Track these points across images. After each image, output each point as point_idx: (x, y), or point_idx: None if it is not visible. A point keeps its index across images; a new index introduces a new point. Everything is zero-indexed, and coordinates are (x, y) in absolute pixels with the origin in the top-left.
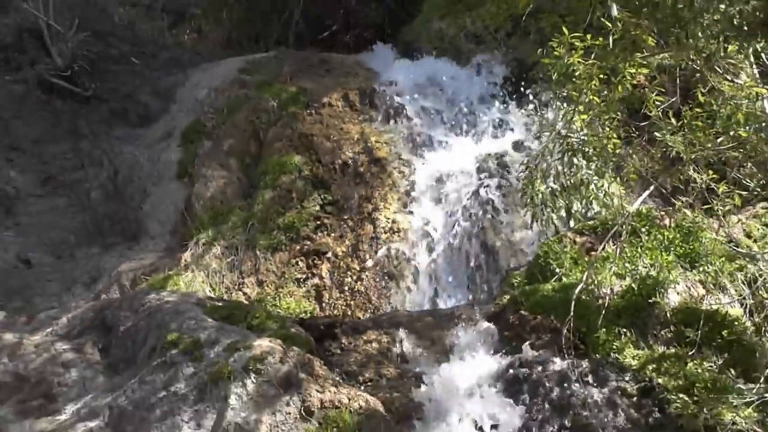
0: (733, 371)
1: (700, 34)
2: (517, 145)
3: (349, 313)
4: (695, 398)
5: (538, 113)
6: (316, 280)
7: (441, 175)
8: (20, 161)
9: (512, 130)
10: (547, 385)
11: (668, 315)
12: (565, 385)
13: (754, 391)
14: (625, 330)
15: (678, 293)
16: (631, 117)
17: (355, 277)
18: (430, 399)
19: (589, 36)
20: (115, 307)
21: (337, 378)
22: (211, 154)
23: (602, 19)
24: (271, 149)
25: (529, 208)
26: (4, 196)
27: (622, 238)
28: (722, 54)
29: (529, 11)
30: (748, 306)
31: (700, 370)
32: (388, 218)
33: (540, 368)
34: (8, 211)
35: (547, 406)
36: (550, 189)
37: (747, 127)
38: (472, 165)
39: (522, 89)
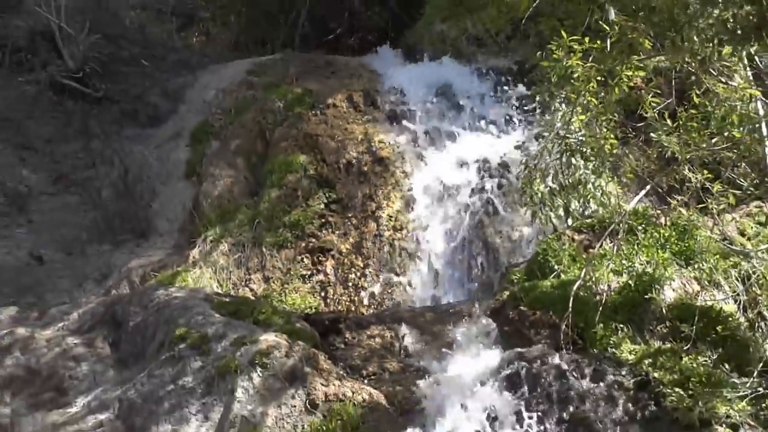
0: (727, 366)
1: (695, 37)
2: (517, 145)
3: (353, 308)
4: (690, 392)
5: (538, 114)
6: (320, 277)
7: (443, 174)
8: (33, 160)
9: (512, 130)
10: (546, 379)
11: (664, 311)
12: (564, 379)
13: (747, 385)
14: (622, 325)
15: (673, 290)
16: (628, 118)
17: (359, 274)
18: (432, 392)
19: (587, 39)
20: (124, 303)
21: (341, 372)
22: (219, 153)
23: (600, 22)
24: (277, 149)
25: (529, 206)
26: (17, 195)
27: (619, 236)
28: (716, 57)
29: (529, 15)
30: (742, 302)
31: (695, 365)
32: (391, 216)
33: (539, 362)
34: (21, 209)
35: (546, 399)
36: (549, 188)
37: (741, 128)
38: (473, 164)
39: (522, 91)
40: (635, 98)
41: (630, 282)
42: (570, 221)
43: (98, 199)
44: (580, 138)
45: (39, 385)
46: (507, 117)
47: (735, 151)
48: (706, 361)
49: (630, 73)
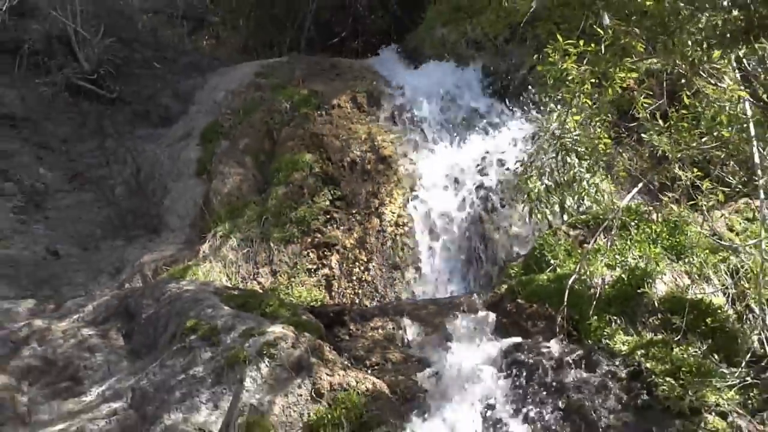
0: (716, 356)
1: (688, 41)
2: (514, 144)
3: (357, 301)
4: (681, 381)
5: (534, 115)
6: (326, 271)
7: (443, 172)
8: (49, 159)
9: (509, 129)
10: (543, 368)
11: (656, 303)
12: (560, 368)
13: (736, 375)
14: (615, 317)
15: (665, 283)
16: (621, 118)
17: (362, 268)
18: (433, 382)
19: (582, 42)
20: (137, 296)
21: (346, 362)
22: (228, 152)
23: (594, 26)
24: (284, 148)
25: (526, 203)
26: (34, 192)
27: (613, 232)
28: (706, 60)
29: (526, 19)
30: (731, 295)
31: (685, 355)
32: (394, 212)
33: (536, 353)
34: (38, 206)
35: (542, 388)
36: (545, 186)
37: (729, 128)
38: (472, 162)
39: (519, 92)
40: (628, 99)
41: (623, 276)
42: (565, 217)
43: (112, 196)
44: (575, 137)
45: (55, 375)
46: (504, 117)
47: (724, 150)
48: (696, 351)
49: (623, 75)
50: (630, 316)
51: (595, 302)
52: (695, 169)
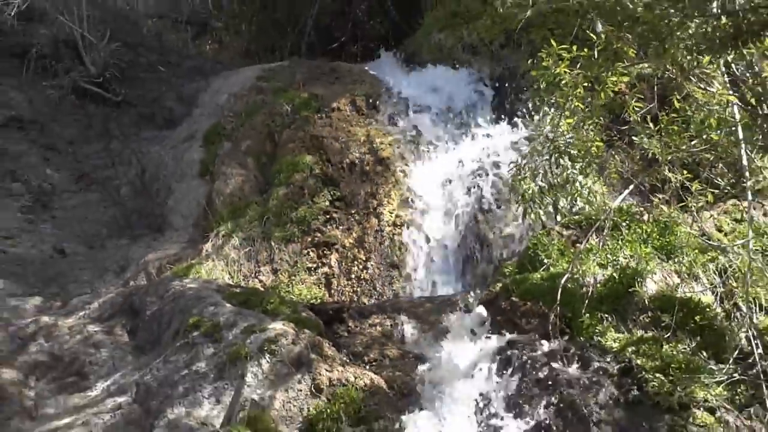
0: (704, 353)
1: (681, 46)
2: (509, 147)
3: (356, 299)
4: (670, 378)
5: (528, 118)
6: (325, 269)
7: (439, 173)
8: (56, 160)
9: (504, 132)
10: (536, 365)
11: (646, 302)
12: (552, 365)
13: (723, 371)
14: (606, 315)
15: (655, 282)
16: (613, 122)
17: (361, 266)
18: (429, 377)
19: (575, 48)
20: (142, 293)
21: (345, 358)
22: (231, 154)
23: (587, 31)
24: (285, 150)
25: (520, 204)
26: (41, 192)
27: (605, 232)
28: (696, 65)
29: (521, 25)
30: (719, 294)
31: (675, 352)
32: (392, 213)
33: (529, 350)
34: (45, 206)
35: (535, 384)
36: (538, 187)
37: (718, 131)
38: (468, 164)
39: (514, 96)
40: (620, 103)
41: (614, 275)
42: (558, 218)
43: (117, 197)
44: (568, 140)
45: (61, 370)
46: (499, 120)
47: (713, 152)
48: (685, 348)
49: (615, 80)
50: (621, 314)
51: (587, 300)
52: (685, 171)
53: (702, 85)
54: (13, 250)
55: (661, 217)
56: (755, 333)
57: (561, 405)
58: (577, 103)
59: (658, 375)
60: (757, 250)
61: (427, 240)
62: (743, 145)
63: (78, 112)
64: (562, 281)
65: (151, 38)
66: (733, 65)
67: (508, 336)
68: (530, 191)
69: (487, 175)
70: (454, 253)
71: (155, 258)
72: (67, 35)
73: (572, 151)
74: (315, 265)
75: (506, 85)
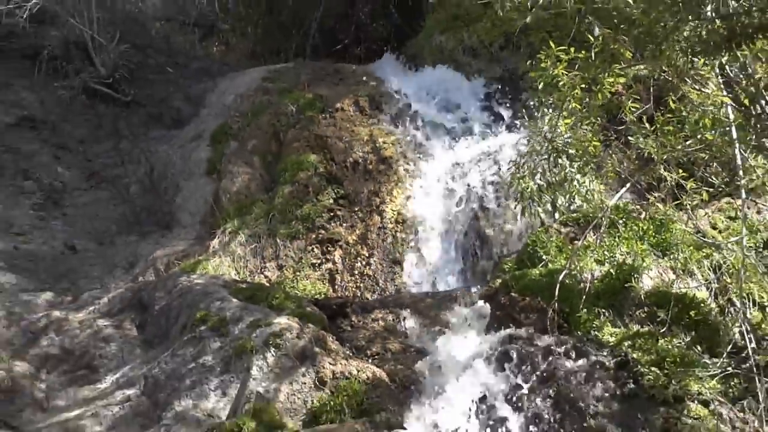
0: (699, 347)
1: (676, 48)
2: (508, 146)
3: (359, 294)
4: (666, 371)
5: (527, 118)
6: (329, 265)
7: (441, 172)
8: (67, 159)
9: (504, 132)
10: (535, 358)
11: (642, 297)
12: (550, 359)
13: (718, 365)
14: (603, 310)
15: (651, 278)
16: (610, 122)
17: (364, 263)
18: (430, 371)
19: (573, 49)
20: (150, 289)
21: (348, 352)
22: (237, 153)
23: (586, 33)
24: (290, 149)
25: (519, 202)
26: (52, 190)
27: (602, 229)
28: (691, 66)
29: (520, 28)
30: (713, 290)
31: (670, 347)
32: (394, 210)
33: (528, 344)
34: (56, 203)
35: (534, 377)
36: (537, 185)
37: (713, 131)
38: (468, 163)
39: (513, 96)
40: (616, 104)
41: (611, 271)
42: (557, 216)
43: (127, 194)
44: (566, 140)
45: (72, 363)
46: (499, 120)
47: (707, 152)
48: (680, 343)
49: (612, 81)
50: (618, 309)
51: (584, 296)
52: (680, 170)
53: (697, 87)
54: (25, 247)
55: (657, 214)
56: (749, 328)
57: (559, 398)
58: (574, 104)
59: (653, 369)
60: (751, 246)
61: (428, 237)
62: (737, 145)
63: (88, 112)
64: (560, 277)
65: (159, 40)
66: (727, 67)
67: (508, 330)
68: (529, 190)
69: (487, 173)
70: (454, 249)
71: (163, 254)
72: (77, 37)
73: (570, 151)
74: (319, 261)
75: (506, 86)
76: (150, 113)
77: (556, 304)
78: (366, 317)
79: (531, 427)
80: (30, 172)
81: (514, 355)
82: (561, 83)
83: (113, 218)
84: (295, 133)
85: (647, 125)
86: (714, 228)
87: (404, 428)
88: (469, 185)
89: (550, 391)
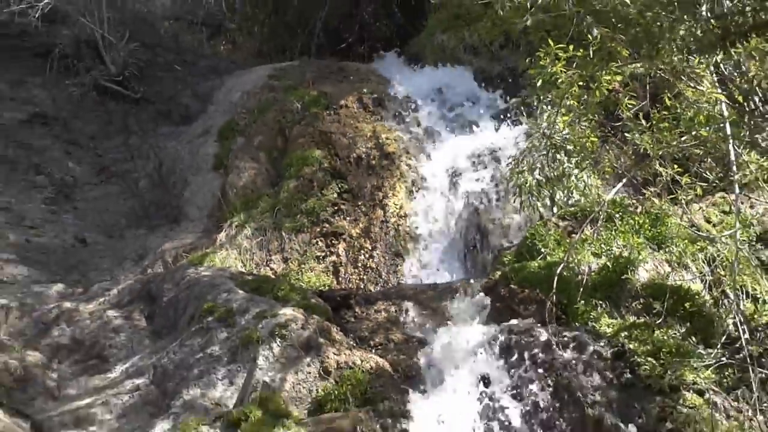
0: (694, 338)
1: (672, 47)
2: (508, 142)
3: (362, 286)
4: (661, 361)
5: (526, 115)
6: (333, 258)
7: (442, 167)
8: (78, 154)
9: (504, 128)
10: (534, 349)
11: (638, 289)
12: (549, 349)
13: (712, 355)
14: (601, 302)
15: (647, 270)
16: (607, 118)
17: (367, 255)
18: (432, 361)
19: (571, 48)
20: (159, 280)
21: (351, 342)
22: (244, 148)
23: (584, 32)
24: (295, 145)
25: (518, 196)
26: (63, 185)
27: (599, 223)
28: (686, 64)
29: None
30: (708, 282)
31: (665, 337)
32: (396, 204)
33: (527, 335)
34: (67, 197)
35: (533, 368)
36: (536, 180)
37: (707, 128)
38: (469, 158)
39: (512, 94)
40: (613, 101)
41: (608, 264)
42: (555, 210)
43: (136, 189)
44: (564, 136)
45: (83, 353)
46: (499, 116)
47: (702, 148)
48: (675, 334)
49: (609, 78)
50: (614, 301)
51: (582, 288)
52: (675, 166)
53: (692, 84)
54: (37, 240)
55: (653, 209)
56: (742, 319)
57: (557, 387)
58: (572, 101)
59: (649, 359)
60: (744, 240)
61: (430, 230)
62: (731, 141)
63: (99, 108)
64: (559, 270)
65: (168, 39)
66: (721, 65)
67: (507, 322)
68: (528, 184)
69: (487, 168)
70: (455, 242)
71: (172, 247)
72: (88, 36)
73: (568, 147)
74: (323, 254)
75: (505, 83)
76: (159, 110)
77: (555, 296)
78: (369, 308)
79: (530, 416)
80: (42, 167)
81: (514, 346)
82: (559, 81)
83: (123, 212)
84: (300, 129)
85: (643, 122)
86: (708, 222)
87: (406, 417)
88: (469, 180)
89: (549, 380)
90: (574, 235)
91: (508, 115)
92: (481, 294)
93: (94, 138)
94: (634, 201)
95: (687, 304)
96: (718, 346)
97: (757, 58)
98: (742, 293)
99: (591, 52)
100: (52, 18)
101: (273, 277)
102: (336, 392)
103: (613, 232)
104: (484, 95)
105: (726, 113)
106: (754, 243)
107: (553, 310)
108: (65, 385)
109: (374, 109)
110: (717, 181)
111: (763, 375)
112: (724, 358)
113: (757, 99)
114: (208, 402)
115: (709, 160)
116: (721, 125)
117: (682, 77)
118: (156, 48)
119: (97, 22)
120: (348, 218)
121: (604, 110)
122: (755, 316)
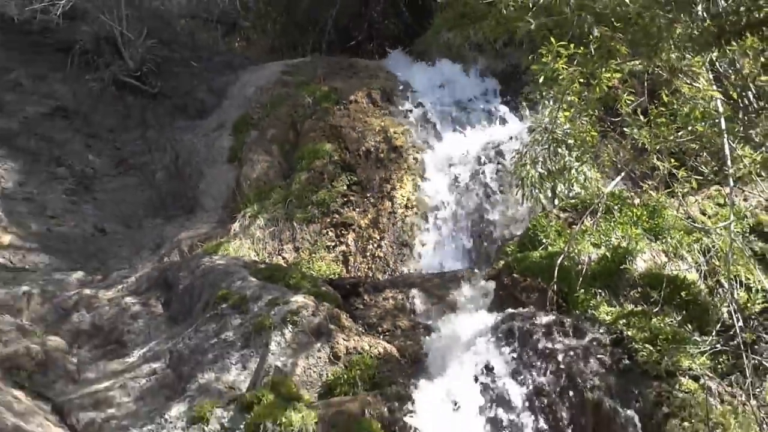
0: (689, 326)
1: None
2: (511, 136)
3: (371, 274)
4: (658, 348)
5: (529, 110)
6: (343, 247)
7: (448, 160)
8: (97, 147)
9: (507, 122)
10: (535, 336)
11: (636, 279)
12: (550, 335)
13: (707, 342)
14: (600, 291)
15: (644, 260)
16: (607, 114)
17: (375, 245)
18: (438, 346)
19: (572, 45)
20: (175, 269)
21: (360, 328)
22: (257, 142)
23: (586, 31)
24: (306, 138)
25: (521, 188)
26: (84, 176)
27: (598, 215)
28: (683, 62)
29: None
30: (703, 271)
31: (662, 325)
32: (404, 196)
33: (529, 322)
34: (87, 188)
35: (534, 353)
36: (538, 173)
37: (703, 123)
38: (474, 152)
39: (515, 90)
40: (613, 97)
41: (607, 254)
42: (556, 202)
43: (153, 180)
44: (565, 131)
45: (102, 338)
46: (502, 112)
47: (698, 142)
48: (672, 321)
49: (608, 75)
50: (613, 290)
51: (582, 277)
52: (672, 160)
53: (688, 81)
54: (58, 229)
55: (650, 201)
56: (736, 307)
57: (558, 372)
58: (573, 97)
59: (647, 345)
60: (738, 231)
61: (436, 221)
62: (726, 136)
63: (117, 103)
64: (559, 259)
65: (184, 36)
66: (717, 62)
67: (510, 309)
68: (531, 177)
69: (491, 162)
70: (460, 233)
71: (187, 236)
72: (107, 33)
73: (569, 141)
74: (333, 244)
75: (509, 80)
76: (175, 104)
77: (556, 285)
78: (377, 296)
79: (532, 400)
80: (63, 159)
81: (516, 332)
82: (561, 77)
83: (140, 202)
84: (311, 123)
85: (642, 117)
86: (703, 214)
87: (413, 400)
88: (473, 172)
89: (550, 366)
90: (574, 227)
91: (512, 110)
92: (485, 282)
93: (113, 131)
94: (633, 193)
95: (683, 293)
96: (713, 334)
97: (751, 55)
98: (736, 282)
99: (591, 50)
100: (73, 15)
101: (285, 265)
102: (345, 376)
103: (612, 224)
104: (488, 91)
105: (721, 109)
106: (747, 234)
107: (554, 298)
108: (85, 369)
109: (383, 104)
110: (712, 175)
111: (756, 361)
112: (718, 345)
113: (751, 95)
114: (222, 385)
115: (705, 154)
116: (717, 121)
117: (679, 74)
118: (172, 44)
119: (115, 19)
120: (357, 209)
121: (604, 106)
122: (749, 305)
